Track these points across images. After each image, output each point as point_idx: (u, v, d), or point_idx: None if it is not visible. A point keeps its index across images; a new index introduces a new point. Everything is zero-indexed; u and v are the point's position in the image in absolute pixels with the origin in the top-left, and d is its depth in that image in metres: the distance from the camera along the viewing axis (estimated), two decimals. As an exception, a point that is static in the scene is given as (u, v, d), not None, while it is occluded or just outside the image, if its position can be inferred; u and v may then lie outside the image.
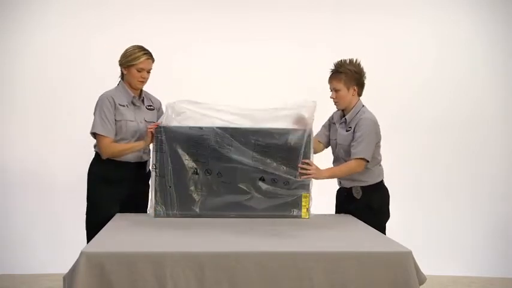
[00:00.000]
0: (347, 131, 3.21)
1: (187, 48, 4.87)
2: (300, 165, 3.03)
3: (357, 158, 3.10)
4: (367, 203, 3.17)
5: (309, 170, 3.03)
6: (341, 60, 3.20)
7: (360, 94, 3.25)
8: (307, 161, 3.04)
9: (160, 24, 4.82)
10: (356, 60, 3.20)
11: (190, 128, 3.03)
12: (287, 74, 4.89)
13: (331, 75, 3.21)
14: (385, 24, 4.96)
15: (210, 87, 4.84)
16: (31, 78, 4.77)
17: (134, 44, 3.26)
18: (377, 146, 3.21)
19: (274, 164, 3.03)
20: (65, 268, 2.29)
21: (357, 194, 3.20)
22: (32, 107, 4.78)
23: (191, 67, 4.85)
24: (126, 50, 3.23)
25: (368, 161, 3.13)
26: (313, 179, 3.07)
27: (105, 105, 3.16)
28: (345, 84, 3.17)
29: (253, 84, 4.88)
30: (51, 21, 4.79)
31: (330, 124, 3.39)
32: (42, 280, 4.51)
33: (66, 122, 4.76)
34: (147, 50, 3.23)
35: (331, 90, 3.22)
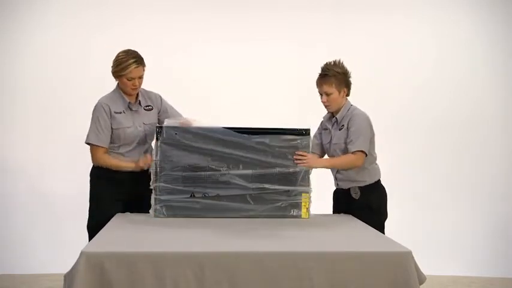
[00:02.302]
0: (340, 129, 3.20)
1: (187, 48, 4.87)
2: (296, 154, 3.02)
3: (356, 151, 3.09)
4: (366, 203, 3.16)
5: (304, 159, 3.02)
6: (326, 63, 3.19)
7: (348, 94, 3.24)
8: (301, 152, 3.03)
9: (160, 24, 4.82)
10: (339, 61, 3.19)
11: (189, 146, 2.99)
12: (287, 74, 4.89)
13: (320, 80, 3.19)
14: (385, 24, 4.96)
15: (210, 87, 4.85)
16: (31, 79, 4.77)
17: (124, 50, 3.18)
18: (371, 142, 3.20)
19: (274, 186, 3.03)
20: (64, 268, 2.29)
21: (355, 195, 3.19)
22: (32, 107, 4.78)
23: (191, 67, 4.85)
24: (116, 57, 3.16)
25: (366, 154, 3.12)
26: (311, 170, 3.06)
27: (100, 115, 3.16)
28: (336, 87, 3.16)
29: (253, 84, 4.88)
30: (51, 21, 4.79)
31: (320, 132, 3.36)
32: (42, 280, 4.51)
33: (66, 122, 4.75)
34: (136, 57, 3.14)
35: (321, 94, 3.21)
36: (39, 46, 4.78)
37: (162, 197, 3.00)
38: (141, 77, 3.19)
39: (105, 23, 4.80)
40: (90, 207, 3.27)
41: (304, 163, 3.02)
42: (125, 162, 3.18)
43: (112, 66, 3.19)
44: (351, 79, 3.22)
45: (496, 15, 4.96)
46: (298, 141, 3.04)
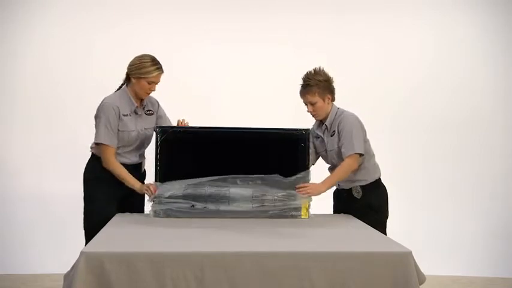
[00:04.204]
0: (332, 135, 3.18)
1: (188, 49, 4.86)
2: (297, 187, 3.02)
3: (350, 155, 3.08)
4: (367, 202, 3.16)
5: (307, 189, 3.02)
6: (307, 72, 3.17)
7: (333, 100, 3.22)
8: (301, 184, 3.03)
9: (160, 25, 4.81)
10: (320, 68, 3.17)
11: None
12: (286, 75, 4.86)
13: (302, 91, 3.18)
14: (384, 25, 4.96)
15: (210, 88, 4.85)
16: (31, 79, 4.77)
17: (147, 54, 3.19)
18: (365, 140, 3.18)
19: (274, 203, 3.04)
20: (64, 268, 2.30)
21: (357, 194, 3.19)
22: (33, 108, 4.77)
23: (191, 68, 4.84)
24: (141, 61, 3.16)
25: (362, 154, 3.10)
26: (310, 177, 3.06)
27: (110, 115, 3.12)
28: (320, 95, 3.14)
29: (253, 85, 4.88)
30: (52, 22, 4.78)
31: (312, 141, 3.31)
32: (42, 280, 4.51)
33: (67, 122, 4.75)
34: (159, 64, 3.19)
35: (306, 104, 3.19)
36: (39, 46, 4.77)
37: (162, 207, 3.01)
38: (157, 83, 3.22)
39: (105, 24, 4.78)
40: (85, 208, 3.24)
41: (307, 193, 3.01)
42: (131, 179, 3.14)
43: (132, 67, 3.16)
44: (334, 84, 3.19)
45: (495, 15, 4.96)
46: (299, 176, 3.05)
